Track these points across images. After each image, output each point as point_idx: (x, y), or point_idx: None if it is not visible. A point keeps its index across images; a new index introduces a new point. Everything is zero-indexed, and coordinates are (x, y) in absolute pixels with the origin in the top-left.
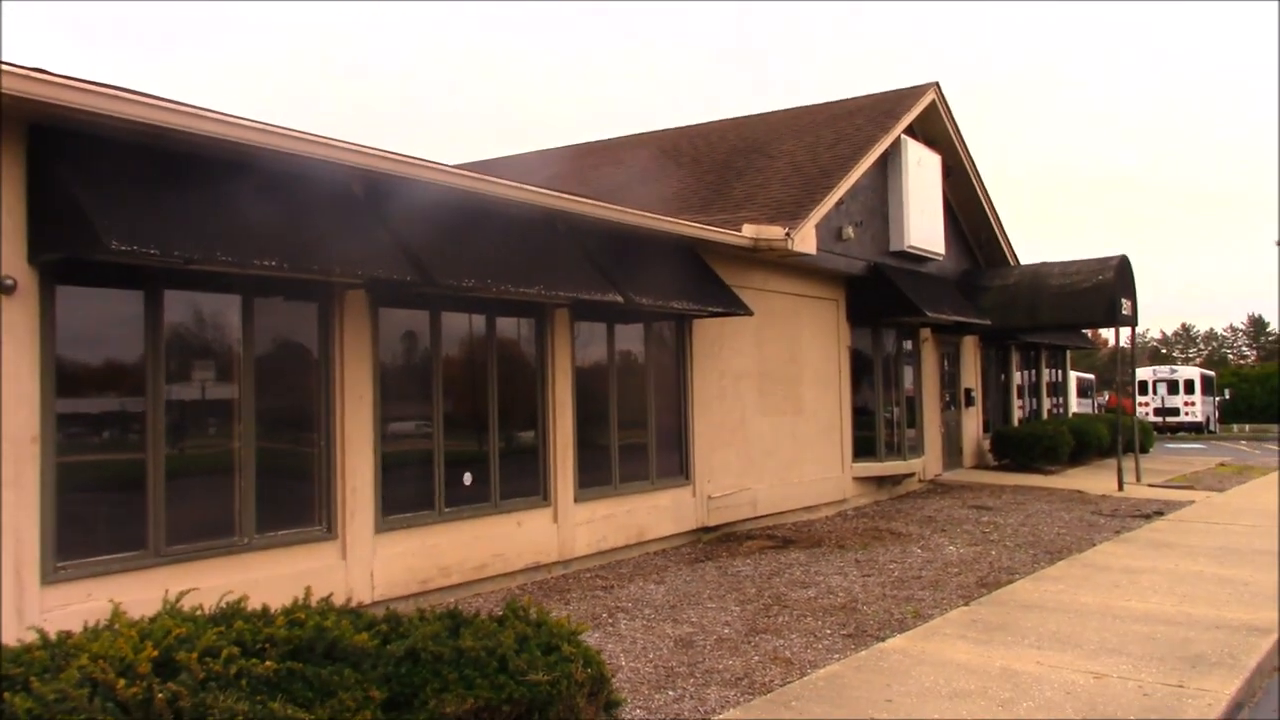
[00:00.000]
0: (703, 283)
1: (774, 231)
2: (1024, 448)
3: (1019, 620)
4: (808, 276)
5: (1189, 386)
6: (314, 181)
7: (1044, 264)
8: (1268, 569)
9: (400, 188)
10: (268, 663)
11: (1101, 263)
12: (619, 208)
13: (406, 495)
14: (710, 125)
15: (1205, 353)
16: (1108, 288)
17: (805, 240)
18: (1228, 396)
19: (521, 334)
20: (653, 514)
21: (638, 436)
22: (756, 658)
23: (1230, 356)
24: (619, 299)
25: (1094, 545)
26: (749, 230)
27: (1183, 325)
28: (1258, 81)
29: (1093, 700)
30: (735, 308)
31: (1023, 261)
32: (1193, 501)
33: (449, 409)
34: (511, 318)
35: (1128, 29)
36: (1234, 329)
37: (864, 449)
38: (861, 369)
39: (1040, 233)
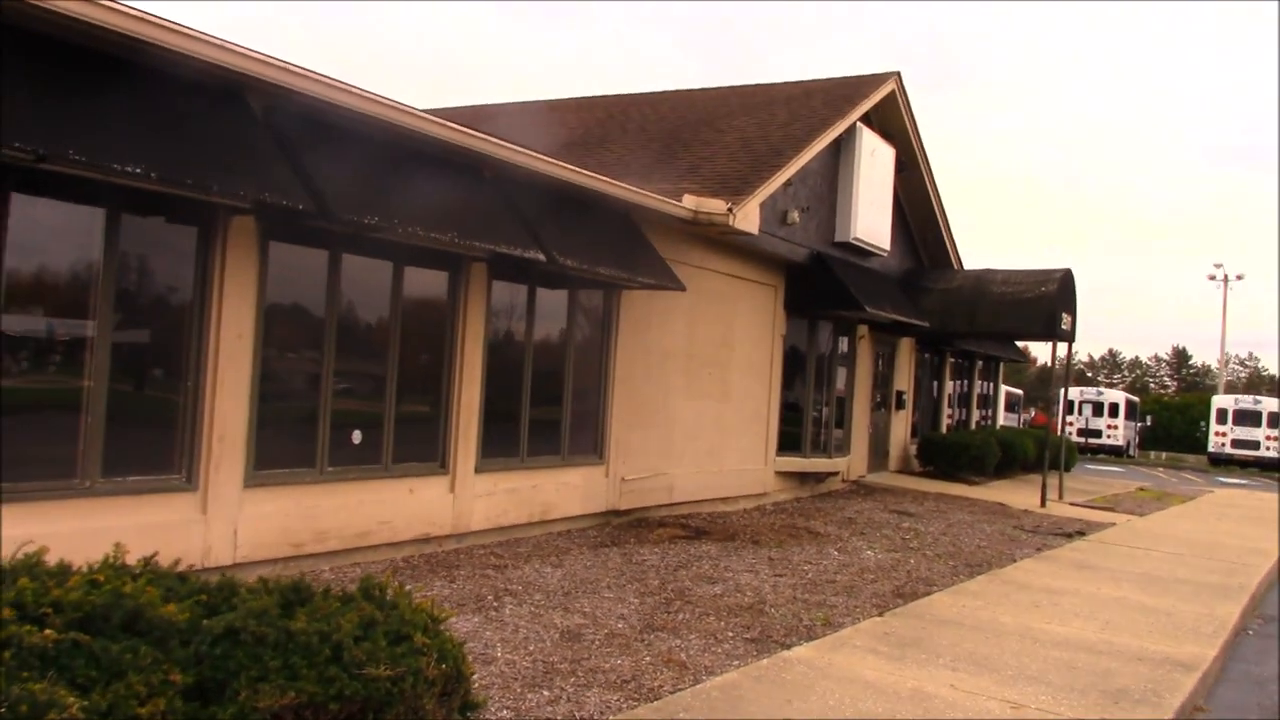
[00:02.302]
0: (635, 253)
1: (716, 205)
2: (951, 456)
3: (934, 636)
4: (747, 258)
5: (1113, 410)
6: (204, 91)
7: (988, 270)
8: (1190, 599)
9: (305, 109)
10: (46, 631)
11: (1045, 274)
12: (550, 159)
13: (284, 449)
14: (661, 94)
15: (1129, 379)
16: (1049, 300)
17: (748, 218)
18: (1149, 423)
19: (432, 288)
20: (561, 492)
21: (552, 409)
22: (649, 658)
23: (1152, 386)
24: (540, 257)
25: (1015, 561)
26: (689, 201)
27: (1110, 350)
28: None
29: None
30: (668, 282)
31: (966, 266)
32: (1114, 524)
33: (343, 361)
34: (422, 269)
35: (1095, 44)
36: (1158, 359)
37: (789, 443)
38: (794, 360)
39: (981, 240)
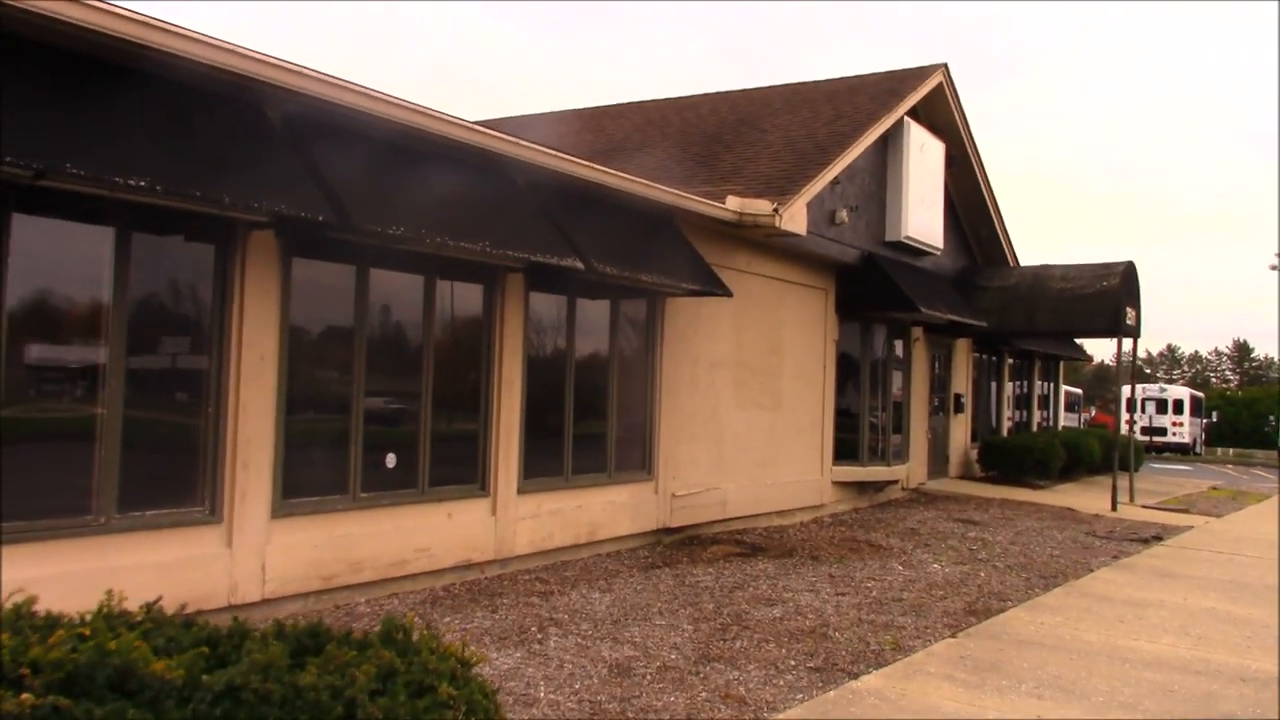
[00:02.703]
0: (679, 258)
1: (761, 206)
2: (1014, 460)
3: (1014, 659)
4: (795, 261)
5: (1178, 406)
6: (215, 98)
7: (1045, 266)
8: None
9: (324, 115)
10: (24, 696)
11: (1106, 268)
12: (586, 163)
13: (314, 476)
14: (700, 98)
15: (1189, 374)
16: (1112, 294)
17: (795, 218)
18: (1215, 419)
19: (466, 301)
20: (608, 511)
21: (596, 424)
22: (705, 694)
23: (1213, 380)
24: (579, 265)
25: (1091, 571)
26: (733, 203)
27: (1168, 345)
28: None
29: None
30: (713, 287)
31: (1022, 263)
32: (1191, 527)
33: (374, 381)
34: (456, 281)
35: (1143, 35)
36: (1219, 352)
37: (845, 452)
38: (847, 365)
39: (1029, 237)
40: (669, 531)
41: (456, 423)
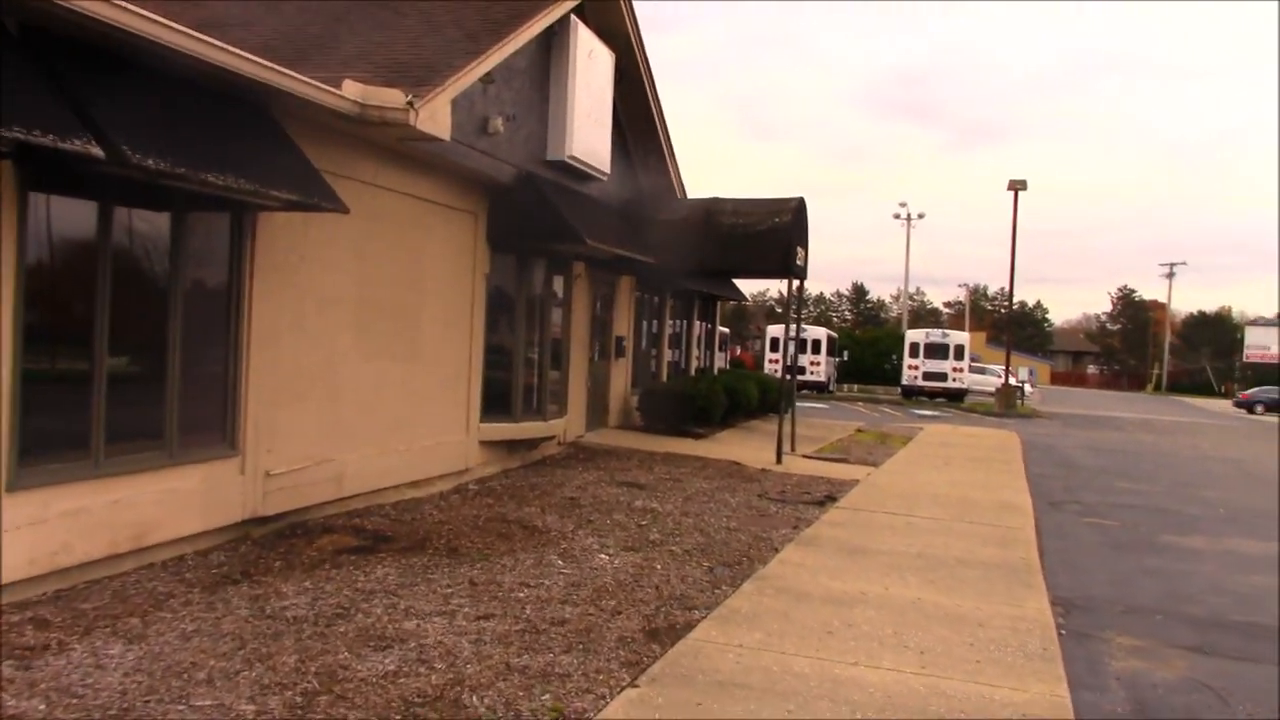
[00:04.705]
0: (274, 160)
1: (392, 96)
2: (675, 408)
3: (718, 715)
4: (439, 176)
5: (815, 347)
6: None
7: (716, 200)
8: (989, 593)
9: None
10: None
11: (779, 204)
12: (123, 3)
13: None
14: None
15: (814, 314)
16: (784, 231)
17: (436, 117)
18: (845, 357)
19: None
20: (166, 503)
21: (147, 386)
22: None
23: (834, 319)
24: (97, 152)
25: (777, 551)
26: (353, 90)
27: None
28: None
29: None
30: (321, 199)
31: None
32: (856, 481)
33: None
34: None
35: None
36: (840, 294)
37: (496, 406)
38: (500, 305)
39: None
40: (261, 521)
41: None
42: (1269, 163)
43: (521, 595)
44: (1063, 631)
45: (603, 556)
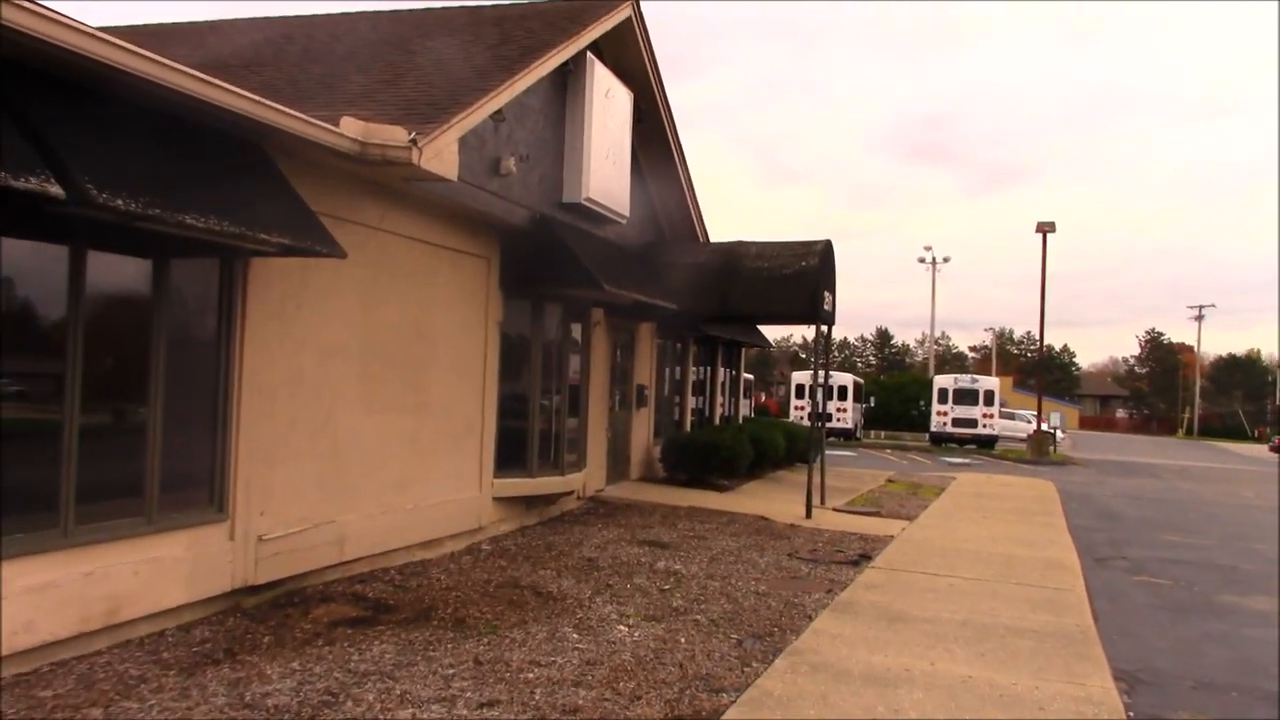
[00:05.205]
0: (267, 202)
1: (393, 134)
2: (700, 459)
3: None
4: (449, 220)
5: (841, 393)
6: None
7: (740, 243)
8: (1046, 668)
9: None
10: None
11: (805, 246)
12: (92, 30)
13: None
14: (337, 17)
15: (839, 360)
16: (812, 275)
17: (442, 156)
18: (872, 403)
19: None
20: (145, 574)
21: (125, 443)
22: None
23: (859, 365)
24: (57, 192)
25: (811, 620)
26: (352, 127)
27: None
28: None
29: None
30: (318, 243)
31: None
32: (891, 536)
33: None
34: None
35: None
36: (864, 339)
37: (511, 460)
38: (515, 354)
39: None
40: (253, 591)
41: None
42: None
43: (531, 676)
44: (1131, 714)
45: (622, 628)
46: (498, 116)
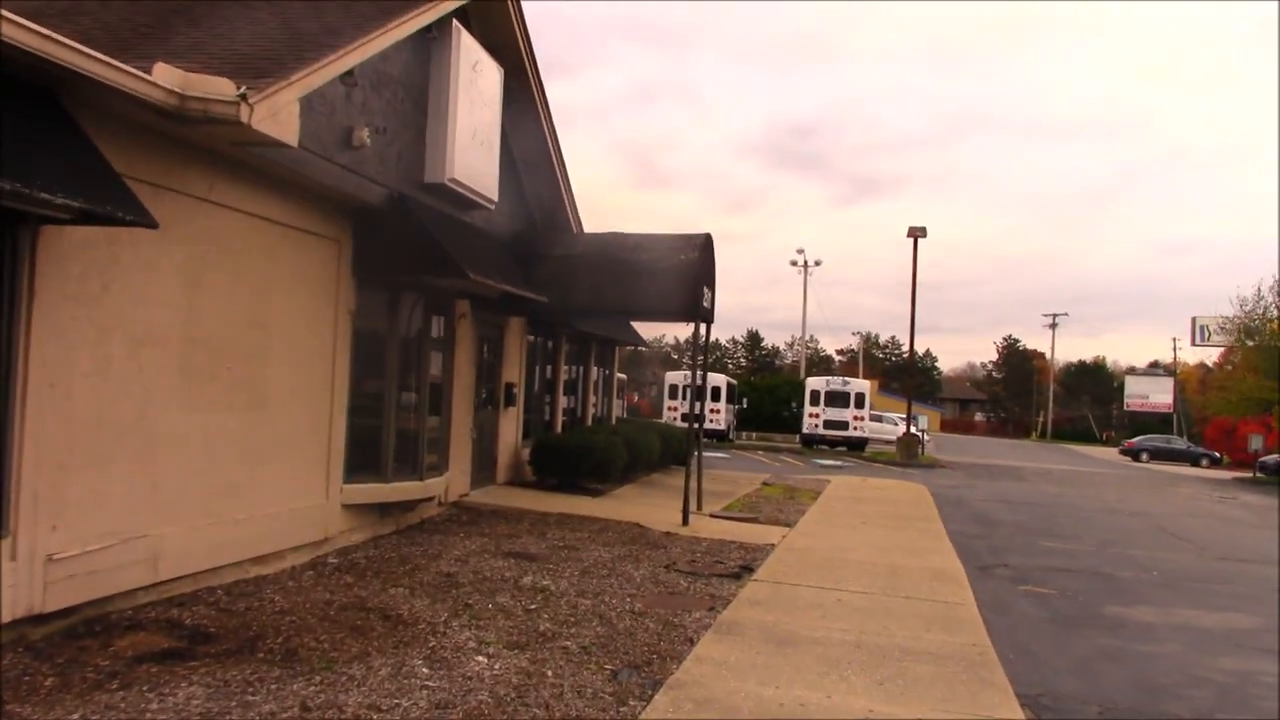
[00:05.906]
0: (59, 159)
1: (218, 86)
2: (571, 463)
3: None
4: (294, 194)
5: (715, 394)
6: None
7: (617, 235)
8: (950, 696)
9: None
10: None
11: (686, 239)
12: None
13: None
14: None
15: (711, 361)
16: (692, 269)
17: (279, 117)
18: (745, 405)
19: None
20: None
21: None
22: None
23: (730, 366)
24: None
25: (692, 644)
26: (167, 75)
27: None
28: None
29: None
30: (120, 209)
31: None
32: (772, 544)
33: None
34: None
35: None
36: (735, 341)
37: (363, 463)
38: (369, 348)
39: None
40: (41, 620)
41: None
42: (1133, 217)
43: None
44: None
45: (480, 659)
46: (349, 80)
